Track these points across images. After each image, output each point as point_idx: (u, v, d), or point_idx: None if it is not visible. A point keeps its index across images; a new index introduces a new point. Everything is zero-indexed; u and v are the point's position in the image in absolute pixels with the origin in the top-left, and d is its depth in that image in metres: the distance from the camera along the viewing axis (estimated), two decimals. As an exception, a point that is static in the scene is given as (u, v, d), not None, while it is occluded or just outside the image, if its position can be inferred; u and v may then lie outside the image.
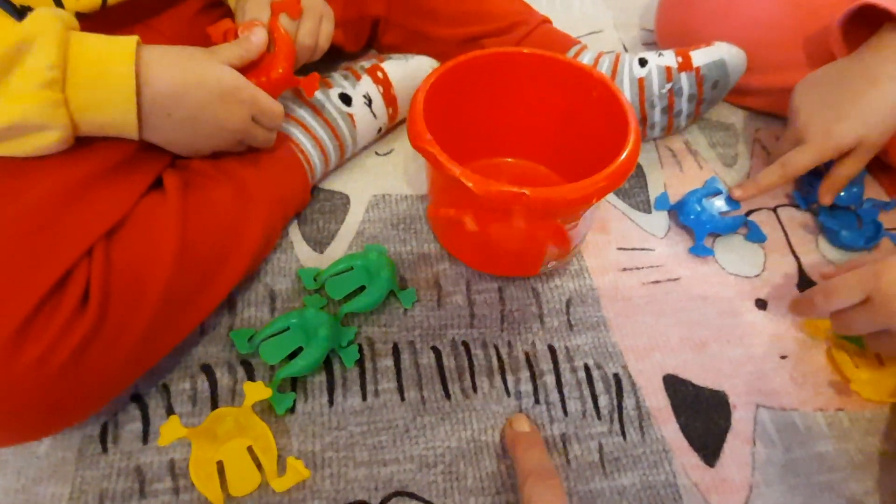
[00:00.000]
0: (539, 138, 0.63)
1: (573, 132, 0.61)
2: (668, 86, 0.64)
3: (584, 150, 0.59)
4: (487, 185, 0.47)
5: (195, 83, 0.47)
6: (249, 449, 0.48)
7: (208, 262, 0.49)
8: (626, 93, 0.65)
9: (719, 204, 0.64)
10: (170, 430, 0.44)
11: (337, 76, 0.64)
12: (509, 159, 0.66)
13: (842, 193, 0.64)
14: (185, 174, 0.52)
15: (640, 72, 0.65)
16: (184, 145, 0.51)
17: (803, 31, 0.65)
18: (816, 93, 0.59)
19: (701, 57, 0.64)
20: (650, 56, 0.66)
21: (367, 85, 0.64)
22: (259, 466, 0.47)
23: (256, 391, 0.48)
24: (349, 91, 0.63)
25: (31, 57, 0.39)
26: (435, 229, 0.62)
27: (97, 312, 0.41)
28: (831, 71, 0.60)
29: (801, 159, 0.59)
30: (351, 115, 0.62)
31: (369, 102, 0.64)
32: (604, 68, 0.66)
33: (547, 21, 0.71)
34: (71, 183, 0.44)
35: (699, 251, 0.62)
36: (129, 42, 0.43)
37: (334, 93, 0.62)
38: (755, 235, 0.64)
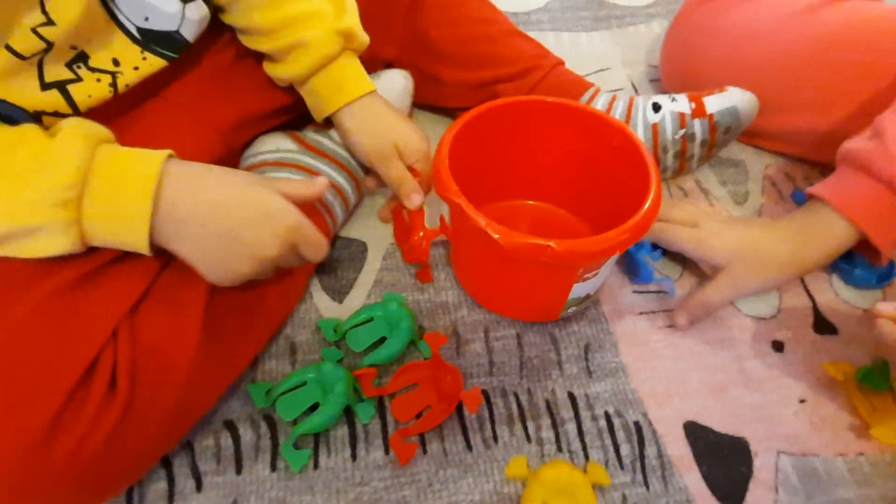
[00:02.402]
0: (559, 182, 0.64)
1: (592, 177, 0.61)
2: (682, 132, 0.65)
3: (604, 194, 0.59)
4: (513, 238, 0.47)
5: (238, 203, 0.44)
6: None
7: (234, 328, 0.49)
8: (640, 137, 0.66)
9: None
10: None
11: None
12: (530, 202, 0.67)
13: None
14: None
15: (654, 117, 0.65)
16: (211, 263, 0.45)
17: (806, 76, 0.66)
18: (744, 241, 0.59)
19: (714, 103, 0.64)
20: (663, 101, 0.66)
21: None
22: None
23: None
24: None
25: (51, 172, 0.38)
26: (457, 274, 0.62)
27: (126, 397, 0.40)
28: (764, 227, 0.60)
29: (720, 300, 0.59)
30: None
31: None
32: (618, 113, 0.67)
33: (560, 63, 0.71)
34: (91, 264, 0.42)
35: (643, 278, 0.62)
36: (154, 164, 0.40)
37: None
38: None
